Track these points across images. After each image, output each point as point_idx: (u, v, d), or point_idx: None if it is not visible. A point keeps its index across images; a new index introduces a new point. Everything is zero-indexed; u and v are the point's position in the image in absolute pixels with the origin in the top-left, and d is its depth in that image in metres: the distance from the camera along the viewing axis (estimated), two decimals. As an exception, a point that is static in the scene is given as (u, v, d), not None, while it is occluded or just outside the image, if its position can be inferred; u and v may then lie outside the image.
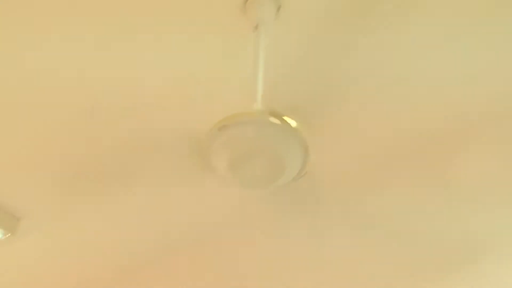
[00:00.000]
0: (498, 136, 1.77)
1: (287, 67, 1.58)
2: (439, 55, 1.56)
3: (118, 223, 2.26)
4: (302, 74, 1.61)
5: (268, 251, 2.24)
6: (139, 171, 1.97)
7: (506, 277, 2.29)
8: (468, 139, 1.78)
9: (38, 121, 1.82)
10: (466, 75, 1.61)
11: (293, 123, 1.42)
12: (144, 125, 1.76)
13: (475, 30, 1.47)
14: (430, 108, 1.70)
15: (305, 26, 1.50)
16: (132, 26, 1.49)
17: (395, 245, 2.24)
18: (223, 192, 2.02)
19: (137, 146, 1.85)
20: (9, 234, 2.24)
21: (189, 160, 1.81)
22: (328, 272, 2.31)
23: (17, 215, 2.25)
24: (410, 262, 2.32)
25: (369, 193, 2.00)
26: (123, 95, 1.67)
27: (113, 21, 1.48)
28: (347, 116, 1.75)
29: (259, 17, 1.48)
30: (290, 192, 1.95)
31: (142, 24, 1.49)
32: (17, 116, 1.80)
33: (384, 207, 2.07)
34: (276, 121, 1.42)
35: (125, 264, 2.47)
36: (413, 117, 1.74)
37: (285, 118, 1.41)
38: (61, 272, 2.54)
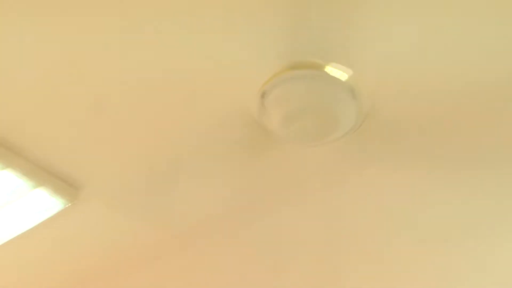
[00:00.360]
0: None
1: (334, 19, 1.57)
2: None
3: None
4: (350, 24, 1.59)
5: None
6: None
7: None
8: None
9: (96, 87, 1.89)
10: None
11: (346, 75, 1.44)
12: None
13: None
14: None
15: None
16: None
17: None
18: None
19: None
20: (70, 204, 2.34)
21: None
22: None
23: (77, 185, 2.35)
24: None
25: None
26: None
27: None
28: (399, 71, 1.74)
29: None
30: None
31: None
32: (74, 81, 1.88)
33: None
34: (328, 74, 1.44)
35: (189, 229, 2.56)
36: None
37: (337, 70, 1.43)
38: (123, 240, 2.64)
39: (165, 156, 2.19)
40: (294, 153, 2.08)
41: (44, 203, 2.34)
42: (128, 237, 2.62)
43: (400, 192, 2.04)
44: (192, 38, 1.62)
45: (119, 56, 1.77)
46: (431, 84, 1.74)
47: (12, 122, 2.07)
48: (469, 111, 1.89)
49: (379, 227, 2.09)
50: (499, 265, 2.30)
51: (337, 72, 1.42)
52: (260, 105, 1.46)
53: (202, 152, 2.17)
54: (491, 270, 2.33)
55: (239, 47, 1.59)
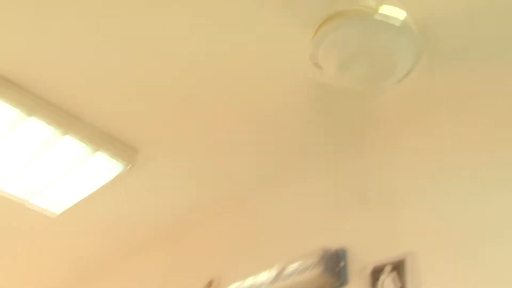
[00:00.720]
0: None
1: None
2: None
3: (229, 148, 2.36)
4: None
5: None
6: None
7: None
8: None
9: (155, 51, 1.92)
10: None
11: (403, 16, 1.40)
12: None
13: None
14: None
15: None
16: None
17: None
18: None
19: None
20: (129, 166, 2.41)
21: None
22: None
23: (135, 147, 2.41)
24: None
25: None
26: None
27: None
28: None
29: None
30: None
31: None
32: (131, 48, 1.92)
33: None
34: (385, 17, 1.41)
35: (242, 189, 2.61)
36: None
37: (395, 11, 1.40)
38: (180, 200, 2.71)
39: (224, 116, 2.22)
40: (359, 99, 2.06)
41: (105, 166, 2.42)
42: (185, 196, 2.69)
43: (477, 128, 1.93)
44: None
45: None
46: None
47: (71, 89, 2.14)
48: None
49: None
50: None
51: (392, 13, 1.39)
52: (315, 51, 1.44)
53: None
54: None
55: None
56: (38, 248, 3.18)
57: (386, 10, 1.40)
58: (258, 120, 2.23)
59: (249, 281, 2.18)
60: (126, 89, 2.13)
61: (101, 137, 2.32)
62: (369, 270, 1.89)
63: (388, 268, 1.84)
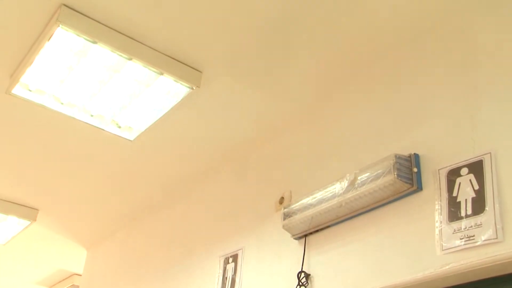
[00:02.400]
0: None
1: None
2: None
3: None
4: None
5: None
6: None
7: None
8: None
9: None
10: None
11: None
12: None
13: None
14: None
15: None
16: None
17: None
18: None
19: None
20: (195, 87, 2.43)
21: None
22: None
23: (199, 68, 2.41)
24: None
25: None
26: None
27: None
28: None
29: None
30: None
31: None
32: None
33: None
34: None
35: (307, 102, 2.58)
36: None
37: None
38: (247, 118, 2.73)
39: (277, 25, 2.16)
40: None
41: (171, 90, 2.44)
42: (252, 114, 2.69)
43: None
44: None
45: None
46: None
47: (132, 15, 2.14)
48: None
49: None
50: None
51: None
52: None
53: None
54: None
55: None
56: (116, 173, 3.33)
57: None
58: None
59: (321, 194, 2.19)
60: (186, 10, 2.11)
61: (164, 60, 2.33)
62: (444, 173, 1.84)
63: (464, 170, 1.78)
